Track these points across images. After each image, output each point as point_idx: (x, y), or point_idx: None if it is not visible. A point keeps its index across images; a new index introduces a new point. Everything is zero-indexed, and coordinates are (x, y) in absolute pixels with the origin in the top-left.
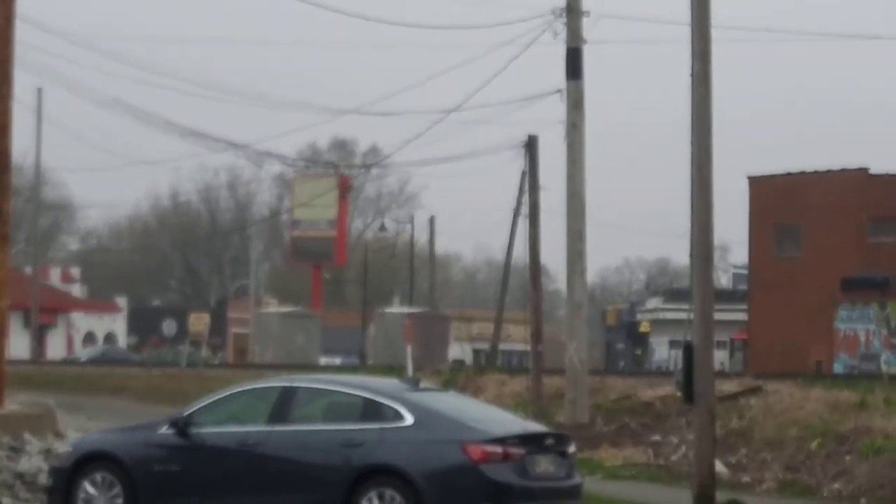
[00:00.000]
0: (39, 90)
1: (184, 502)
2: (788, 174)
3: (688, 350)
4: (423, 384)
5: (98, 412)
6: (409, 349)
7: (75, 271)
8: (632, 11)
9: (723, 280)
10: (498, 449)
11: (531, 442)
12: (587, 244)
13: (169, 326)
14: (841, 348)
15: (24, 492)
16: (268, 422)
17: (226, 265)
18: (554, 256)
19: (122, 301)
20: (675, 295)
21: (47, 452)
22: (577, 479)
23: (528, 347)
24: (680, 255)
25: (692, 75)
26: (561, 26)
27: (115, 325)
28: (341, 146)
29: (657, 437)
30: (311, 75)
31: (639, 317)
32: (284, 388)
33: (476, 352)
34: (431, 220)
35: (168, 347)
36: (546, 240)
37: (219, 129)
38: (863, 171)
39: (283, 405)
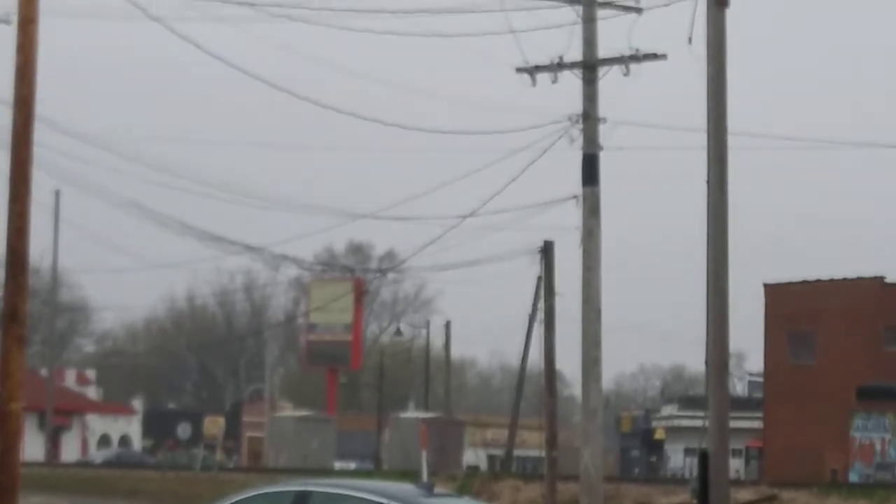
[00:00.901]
0: (57, 192)
1: None
2: (804, 282)
3: (703, 457)
4: (437, 490)
5: None
6: (423, 454)
7: (91, 373)
8: (649, 118)
9: (738, 387)
10: None
11: None
12: (602, 350)
13: (184, 429)
14: (856, 457)
15: None
16: None
17: (241, 368)
18: (569, 362)
19: (137, 404)
20: (690, 402)
21: None
22: None
23: (543, 453)
24: (695, 361)
25: (708, 182)
26: (577, 132)
27: (130, 427)
28: (357, 250)
29: None
30: (327, 179)
31: (654, 423)
32: (299, 492)
33: (491, 457)
34: (447, 325)
35: (183, 450)
36: (561, 345)
37: (235, 231)
38: (878, 280)
39: None
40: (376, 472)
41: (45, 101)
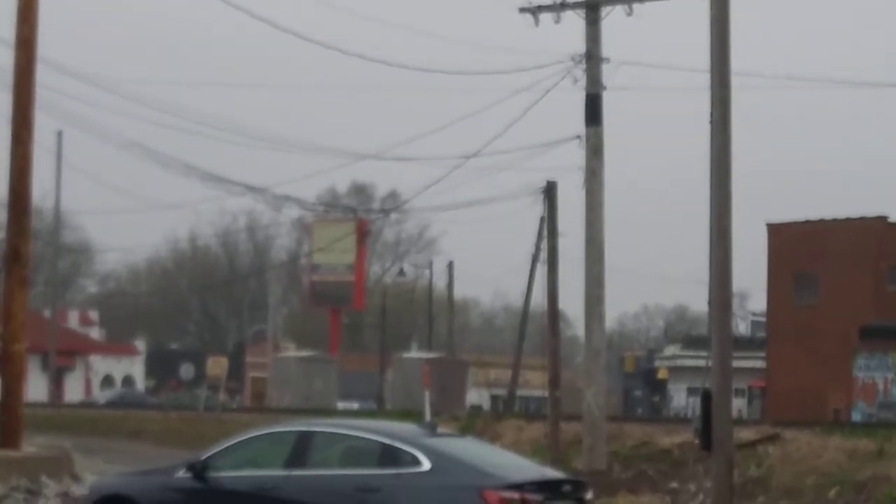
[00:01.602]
0: (59, 133)
1: None
2: (807, 222)
3: (706, 397)
4: (440, 429)
5: (115, 455)
6: (426, 394)
7: (93, 314)
8: (652, 58)
9: (741, 327)
10: (515, 495)
11: (549, 488)
12: (605, 290)
13: (187, 370)
14: (859, 396)
15: None
16: (285, 466)
17: (244, 309)
18: (572, 302)
19: (140, 344)
20: (693, 342)
21: (64, 496)
22: None
23: (546, 393)
24: (698, 301)
25: (711, 122)
26: (580, 72)
27: (133, 368)
28: (360, 191)
29: (675, 485)
30: (330, 119)
31: (657, 363)
32: (302, 432)
33: (494, 397)
34: (450, 266)
35: (186, 391)
36: (564, 286)
37: (238, 172)
38: (882, 220)
39: (300, 450)
40: (379, 412)
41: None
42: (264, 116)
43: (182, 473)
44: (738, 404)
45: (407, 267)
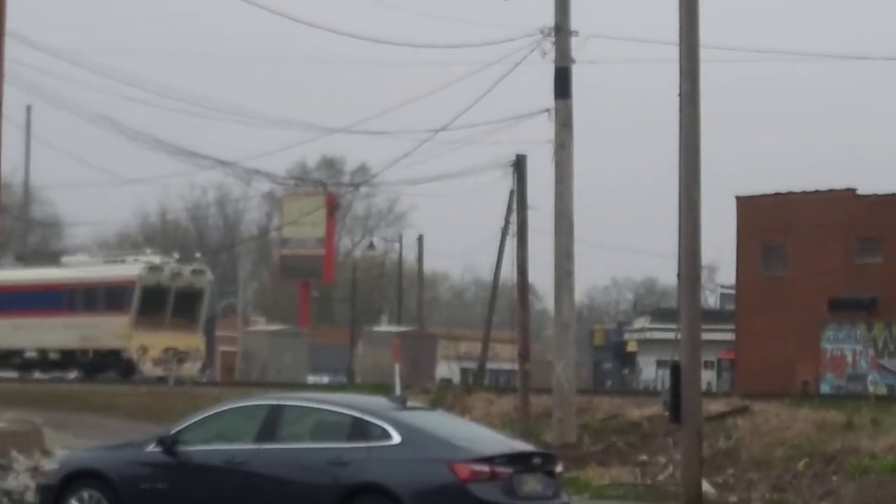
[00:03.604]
0: (28, 107)
1: None
2: (776, 195)
3: (675, 370)
4: (410, 403)
5: (85, 430)
6: (396, 368)
7: None
8: (622, 31)
9: (710, 300)
10: (485, 468)
11: (519, 461)
12: (575, 264)
13: None
14: (828, 368)
15: None
16: (255, 440)
17: (214, 283)
18: (542, 276)
19: None
20: (662, 315)
21: (34, 470)
22: (564, 498)
23: (516, 366)
24: (668, 275)
25: (680, 95)
26: (549, 45)
27: None
28: (330, 165)
29: (644, 457)
30: (300, 93)
31: (626, 336)
32: (272, 406)
33: (464, 371)
34: (420, 239)
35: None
36: (534, 259)
37: (208, 147)
38: (850, 192)
39: (270, 423)
40: (349, 385)
41: (13, 16)
42: (234, 90)
43: (152, 448)
44: (708, 377)
45: (377, 241)
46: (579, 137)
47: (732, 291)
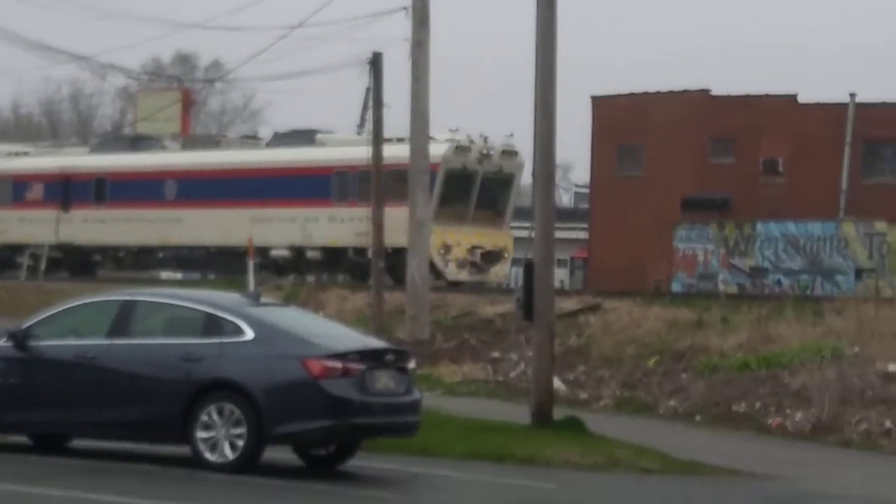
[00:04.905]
0: None
1: (22, 415)
2: (631, 94)
3: (528, 268)
4: (264, 299)
5: None
6: (250, 263)
7: None
8: None
9: (564, 199)
10: (338, 364)
11: (371, 358)
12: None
13: None
14: (679, 267)
15: None
16: (107, 335)
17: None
18: None
19: None
20: (517, 213)
21: None
22: (416, 394)
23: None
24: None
25: None
26: None
27: None
28: (184, 60)
29: (496, 354)
30: None
31: None
32: (125, 301)
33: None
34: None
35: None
36: None
37: (62, 41)
38: (704, 93)
39: (123, 319)
40: (203, 282)
41: None
42: None
43: (3, 342)
44: (560, 275)
45: (232, 137)
46: (436, 35)
47: (587, 191)
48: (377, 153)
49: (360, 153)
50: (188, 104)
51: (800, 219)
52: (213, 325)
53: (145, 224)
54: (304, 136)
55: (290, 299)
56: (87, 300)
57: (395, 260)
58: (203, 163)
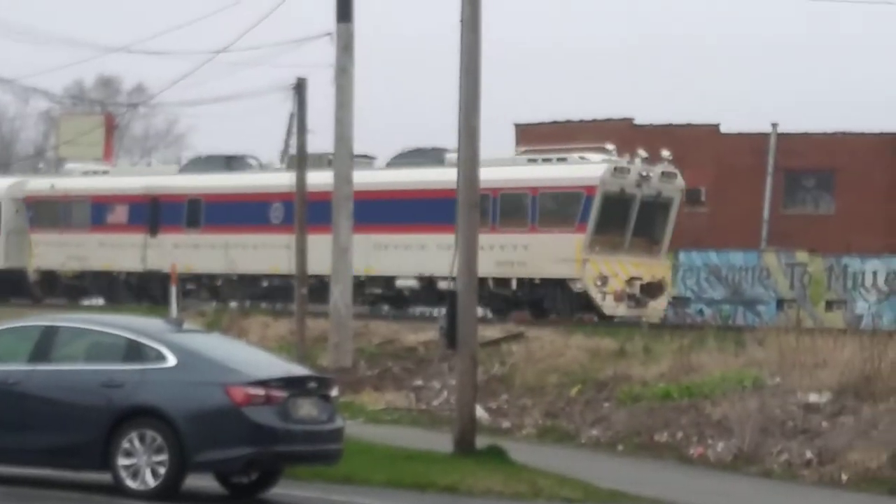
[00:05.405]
0: None
1: None
2: (554, 122)
3: (452, 296)
4: (186, 325)
5: None
6: (173, 290)
7: None
8: None
9: None
10: (260, 391)
11: (294, 385)
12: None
13: None
14: None
15: None
16: (29, 361)
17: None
18: None
19: None
20: None
21: None
22: (339, 422)
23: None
24: None
25: (462, 21)
26: None
27: None
28: (108, 84)
29: (419, 382)
30: (79, 11)
31: None
32: (46, 327)
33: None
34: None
35: None
36: None
37: None
38: (627, 122)
39: (44, 344)
40: (125, 307)
41: None
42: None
43: None
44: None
45: (154, 162)
46: (360, 61)
47: None
48: (301, 179)
49: (512, 174)
50: (111, 128)
51: (722, 248)
52: (134, 351)
53: (248, 250)
54: (432, 156)
55: (213, 326)
56: (9, 325)
57: (547, 292)
58: (316, 184)
